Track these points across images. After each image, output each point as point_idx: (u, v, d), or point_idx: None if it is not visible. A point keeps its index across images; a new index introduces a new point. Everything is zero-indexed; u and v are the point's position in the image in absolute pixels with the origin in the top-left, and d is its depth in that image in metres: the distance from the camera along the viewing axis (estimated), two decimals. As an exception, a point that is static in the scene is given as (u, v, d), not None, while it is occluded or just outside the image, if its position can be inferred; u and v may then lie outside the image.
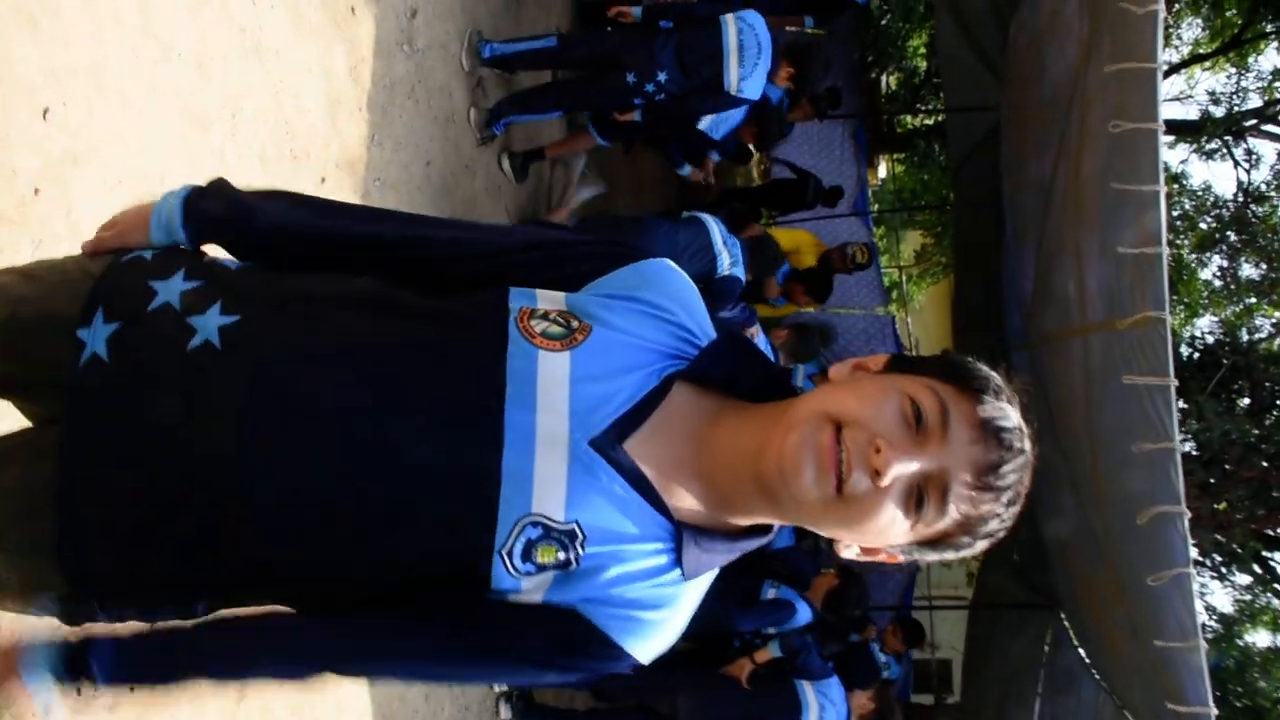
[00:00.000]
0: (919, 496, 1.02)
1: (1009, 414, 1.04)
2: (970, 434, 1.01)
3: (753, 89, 5.08)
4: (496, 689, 5.05)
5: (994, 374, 1.08)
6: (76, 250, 1.30)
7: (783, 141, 5.82)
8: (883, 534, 1.04)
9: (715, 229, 5.12)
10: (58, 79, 2.44)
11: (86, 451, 1.12)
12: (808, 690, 4.78)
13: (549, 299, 1.13)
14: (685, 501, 1.11)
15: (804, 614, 5.39)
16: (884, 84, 14.72)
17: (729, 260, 5.06)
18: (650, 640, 1.09)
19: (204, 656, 1.12)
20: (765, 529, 1.16)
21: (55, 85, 2.43)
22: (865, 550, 1.11)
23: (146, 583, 1.16)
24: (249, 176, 3.23)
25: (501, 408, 1.04)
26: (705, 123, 5.38)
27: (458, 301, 1.14)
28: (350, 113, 3.92)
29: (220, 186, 1.24)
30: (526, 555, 1.04)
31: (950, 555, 1.07)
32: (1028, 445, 1.04)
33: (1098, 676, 5.78)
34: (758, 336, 5.58)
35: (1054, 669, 6.47)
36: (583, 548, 1.04)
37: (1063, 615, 6.45)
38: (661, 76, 4.93)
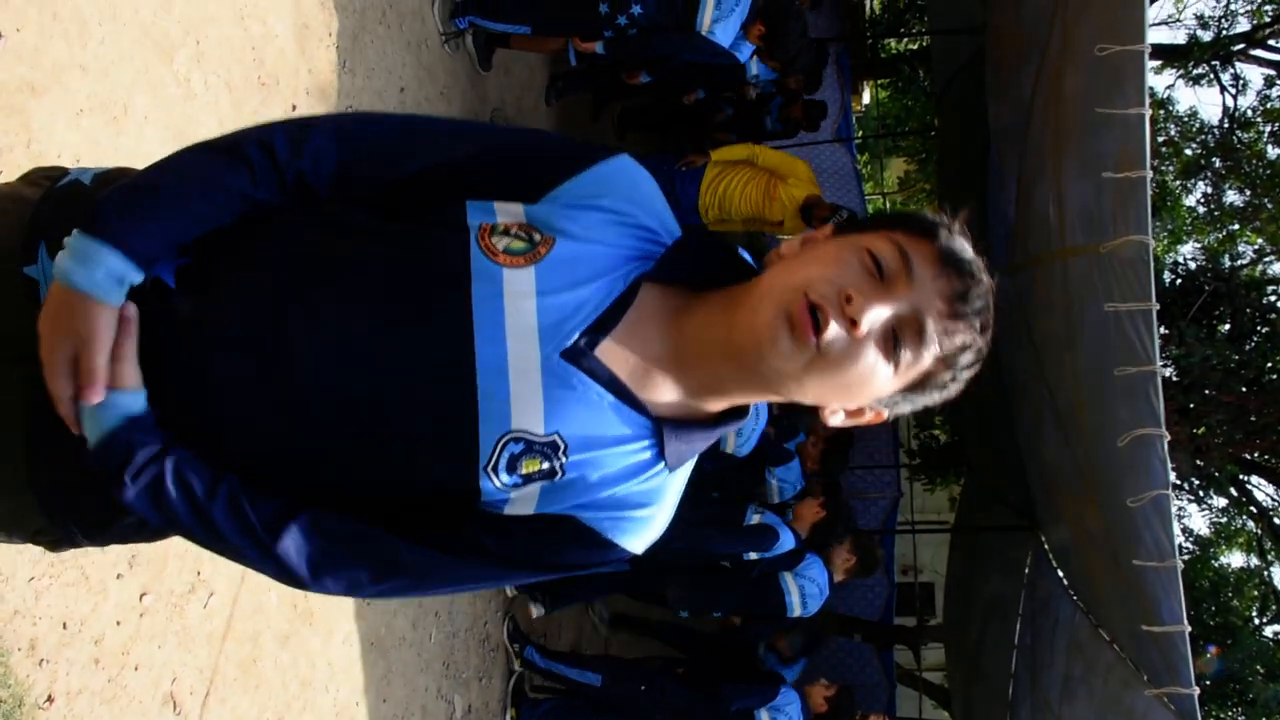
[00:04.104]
0: (895, 340, 1.04)
1: (965, 246, 1.09)
2: (933, 270, 1.05)
3: (724, 34, 4.99)
4: (509, 591, 5.28)
5: (942, 215, 1.11)
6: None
7: None
8: (867, 385, 1.06)
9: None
10: (9, 3, 2.36)
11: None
12: (788, 579, 5.10)
13: (508, 212, 1.11)
14: (663, 396, 1.14)
15: (787, 540, 5.42)
16: (867, 7, 14.49)
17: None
18: (642, 534, 1.14)
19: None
20: (742, 411, 1.19)
21: (7, 9, 2.35)
22: (850, 414, 1.14)
23: (124, 514, 1.15)
24: (216, 105, 3.15)
25: (471, 335, 1.04)
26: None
27: (415, 225, 1.11)
28: (320, 38, 3.82)
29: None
30: (511, 469, 1.06)
31: (934, 398, 1.10)
32: (985, 274, 1.09)
33: (1076, 599, 5.86)
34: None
35: (1034, 591, 6.57)
36: (565, 456, 1.07)
37: (1043, 539, 6.53)
38: (636, 9, 4.82)
